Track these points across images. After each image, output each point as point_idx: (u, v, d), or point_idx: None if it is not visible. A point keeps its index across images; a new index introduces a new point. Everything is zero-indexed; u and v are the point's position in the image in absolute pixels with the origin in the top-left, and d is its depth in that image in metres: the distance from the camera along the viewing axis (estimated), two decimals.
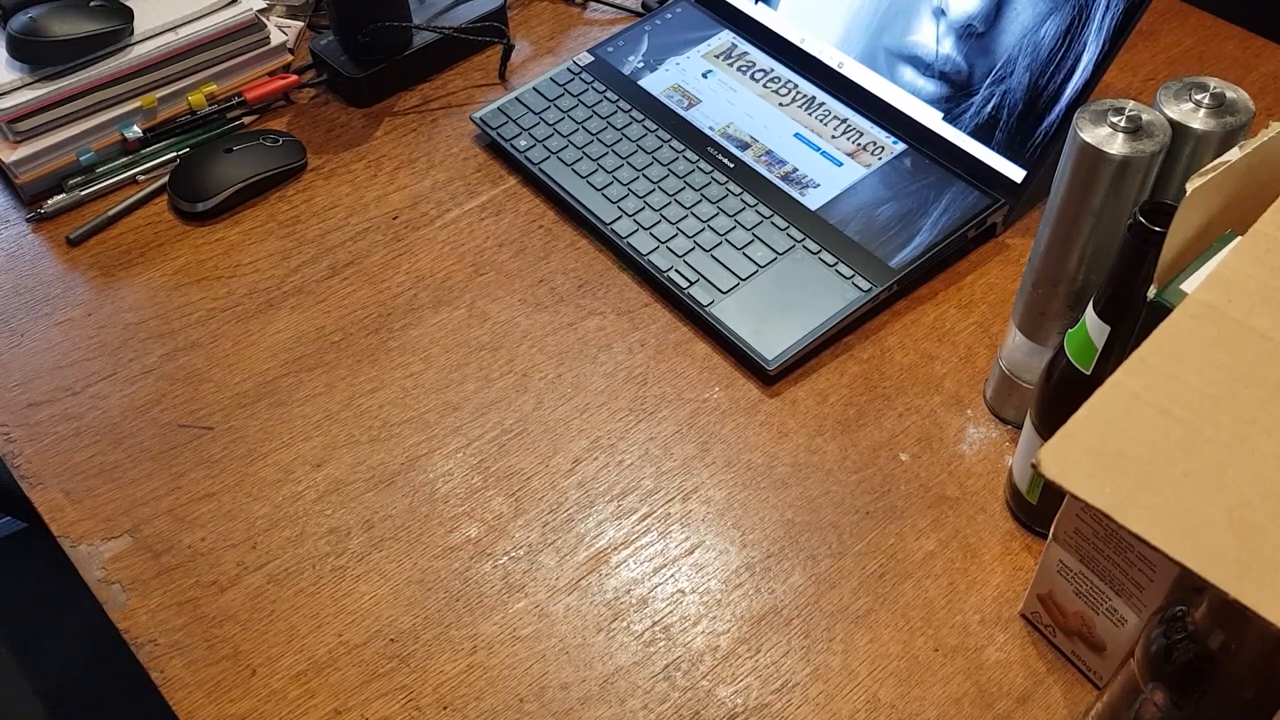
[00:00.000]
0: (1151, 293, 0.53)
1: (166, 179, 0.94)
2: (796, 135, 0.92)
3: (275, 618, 0.69)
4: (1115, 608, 0.60)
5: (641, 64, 1.00)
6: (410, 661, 0.67)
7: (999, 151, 0.86)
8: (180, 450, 0.77)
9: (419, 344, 0.83)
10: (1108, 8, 0.80)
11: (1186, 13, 1.07)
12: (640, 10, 1.09)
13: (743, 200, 0.88)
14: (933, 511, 0.72)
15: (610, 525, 0.73)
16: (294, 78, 1.01)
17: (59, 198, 0.93)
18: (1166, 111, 0.61)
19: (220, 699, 0.66)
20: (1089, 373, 0.61)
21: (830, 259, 0.84)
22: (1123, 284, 0.58)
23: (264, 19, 0.98)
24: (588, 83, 0.99)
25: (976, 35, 0.87)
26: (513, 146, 0.94)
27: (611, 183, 0.91)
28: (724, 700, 0.65)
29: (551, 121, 0.96)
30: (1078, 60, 0.82)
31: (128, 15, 0.93)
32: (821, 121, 0.93)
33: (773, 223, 0.86)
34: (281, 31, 1.01)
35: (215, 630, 0.68)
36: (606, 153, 0.93)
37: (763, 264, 0.84)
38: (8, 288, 0.88)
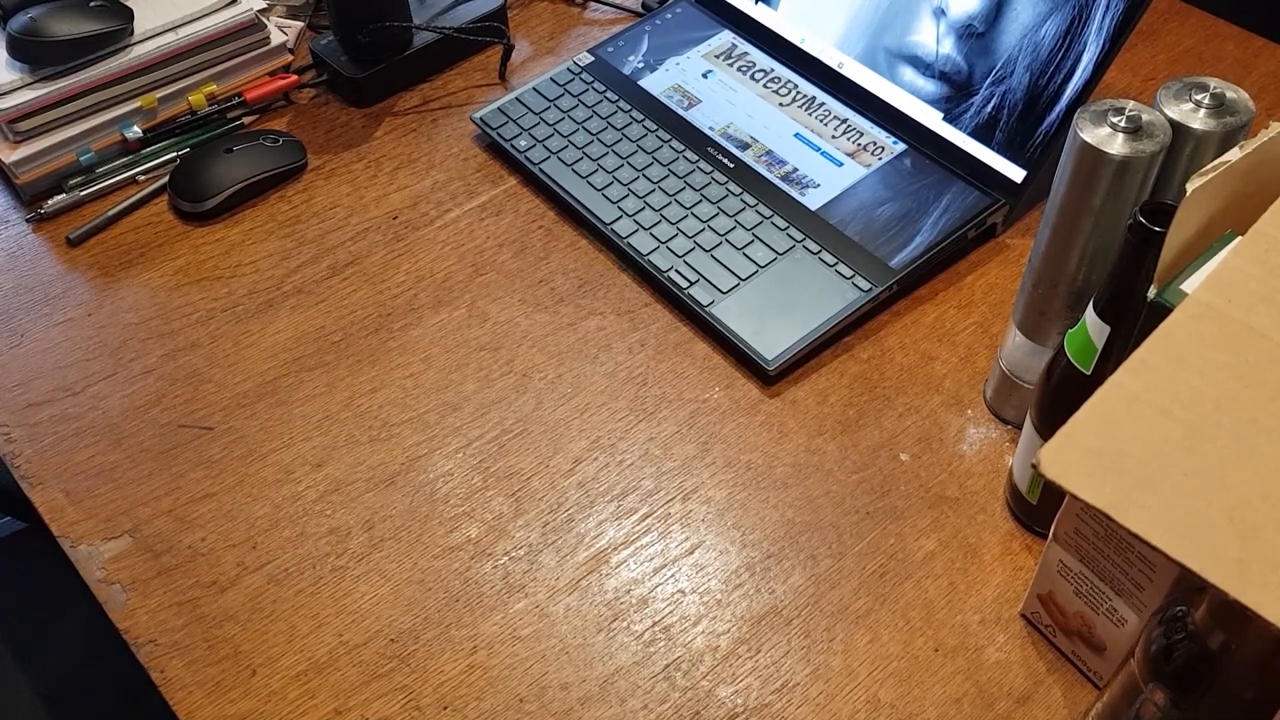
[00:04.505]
0: (1151, 293, 0.53)
1: (166, 179, 0.94)
2: (796, 135, 0.92)
3: (275, 618, 0.69)
4: (1115, 608, 0.60)
5: (641, 64, 1.00)
6: (410, 661, 0.67)
7: (999, 151, 0.86)
8: (180, 450, 0.77)
9: (419, 344, 0.83)
10: (1108, 8, 0.80)
11: (1186, 13, 1.07)
12: (640, 10, 1.09)
13: (743, 200, 0.88)
14: (933, 512, 0.72)
15: (610, 525, 0.73)
16: (294, 78, 1.01)
17: (59, 198, 0.93)
18: (1166, 111, 0.61)
19: (220, 699, 0.66)
20: (1089, 373, 0.61)
21: (830, 259, 0.84)
22: (1123, 284, 0.58)
23: (264, 19, 0.98)
24: (588, 83, 0.99)
25: (976, 35, 0.87)
26: (513, 146, 0.94)
27: (611, 183, 0.91)
28: (724, 700, 0.65)
29: (551, 121, 0.96)
30: (1078, 60, 0.82)
31: (128, 15, 0.93)
32: (821, 121, 0.93)
33: (773, 223, 0.86)
34: (281, 31, 1.01)
35: (215, 630, 0.68)
36: (606, 153, 0.93)
37: (763, 264, 0.84)
38: (8, 288, 0.88)
